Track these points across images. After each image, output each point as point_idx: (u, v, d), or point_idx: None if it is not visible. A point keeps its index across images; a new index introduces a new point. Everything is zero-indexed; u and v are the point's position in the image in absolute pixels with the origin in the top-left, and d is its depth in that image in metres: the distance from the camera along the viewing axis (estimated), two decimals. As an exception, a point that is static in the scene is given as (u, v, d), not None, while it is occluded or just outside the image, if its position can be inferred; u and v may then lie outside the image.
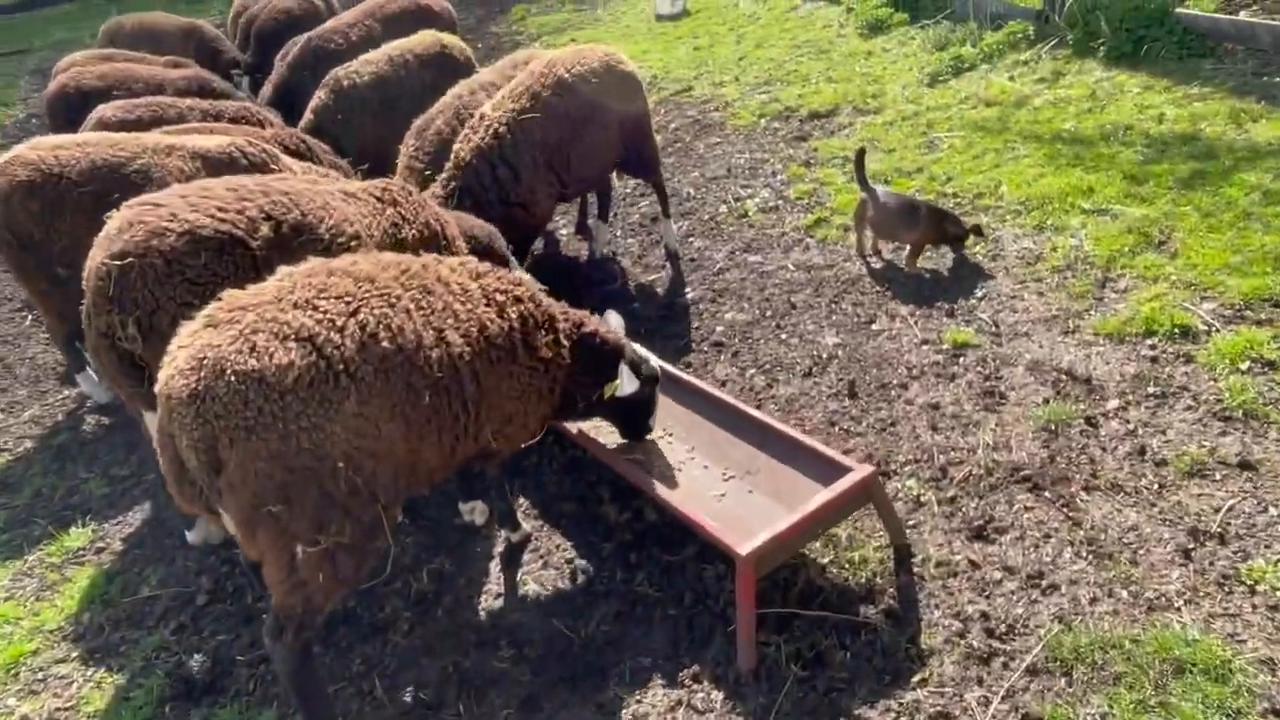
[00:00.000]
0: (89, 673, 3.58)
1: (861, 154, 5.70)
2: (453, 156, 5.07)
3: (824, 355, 4.90)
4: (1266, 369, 4.04)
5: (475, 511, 4.11)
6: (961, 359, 4.63)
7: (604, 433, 4.04)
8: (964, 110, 7.60)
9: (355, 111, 7.18)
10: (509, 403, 3.36)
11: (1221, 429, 3.82)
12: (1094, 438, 3.92)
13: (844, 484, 3.29)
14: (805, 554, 3.56)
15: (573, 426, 4.05)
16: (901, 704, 2.98)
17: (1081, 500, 3.62)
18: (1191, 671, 2.87)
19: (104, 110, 6.33)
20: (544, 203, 5.31)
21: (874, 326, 5.08)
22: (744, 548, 3.08)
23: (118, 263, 3.29)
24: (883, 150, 7.28)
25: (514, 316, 3.35)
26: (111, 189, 4.43)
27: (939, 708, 2.95)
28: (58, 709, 3.42)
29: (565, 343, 3.58)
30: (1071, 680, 2.94)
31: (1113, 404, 4.08)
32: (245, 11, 10.99)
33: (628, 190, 7.67)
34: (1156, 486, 3.62)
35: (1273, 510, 3.40)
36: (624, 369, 3.64)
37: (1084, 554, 3.38)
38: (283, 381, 2.60)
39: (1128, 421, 3.97)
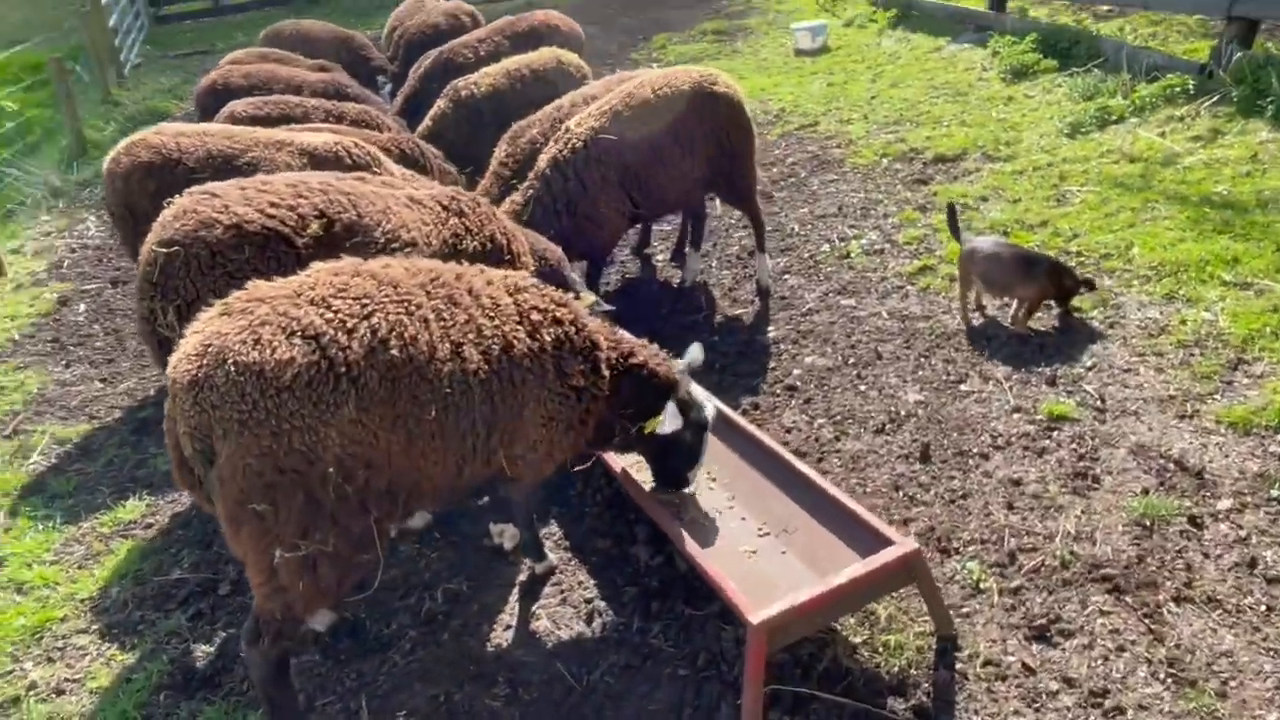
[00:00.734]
0: (103, 648, 3.61)
1: (953, 209, 5.40)
2: (535, 167, 5.03)
3: (902, 412, 4.52)
4: None
5: (505, 535, 3.95)
6: (1056, 433, 4.16)
7: (645, 470, 3.81)
8: (1103, 164, 7.01)
9: (470, 121, 7.32)
10: (532, 429, 3.18)
11: (1357, 550, 3.25)
12: (1196, 540, 3.41)
13: (881, 558, 2.94)
14: (836, 629, 3.22)
15: (616, 463, 3.84)
16: (917, 819, 2.61)
17: (1169, 612, 3.13)
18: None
19: (235, 105, 6.68)
20: (613, 220, 5.20)
21: (963, 387, 4.65)
22: (757, 615, 2.78)
23: (164, 250, 3.33)
24: (1007, 200, 6.79)
25: (548, 338, 3.18)
26: (223, 177, 4.59)
27: (960, 831, 2.56)
28: (65, 679, 3.45)
29: (605, 372, 3.38)
30: (1124, 825, 2.50)
31: (1225, 504, 3.55)
32: (399, 26, 11.47)
33: (729, 221, 7.44)
34: (1264, 608, 3.09)
35: None
36: (670, 407, 3.39)
37: (1162, 676, 2.91)
38: (280, 377, 2.51)
39: (1240, 527, 3.43)
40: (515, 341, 3.06)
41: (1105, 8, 10.78)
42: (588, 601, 3.61)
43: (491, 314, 3.05)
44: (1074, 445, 4.06)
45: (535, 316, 3.18)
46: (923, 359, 4.96)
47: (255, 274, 3.33)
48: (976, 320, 5.22)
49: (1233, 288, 4.97)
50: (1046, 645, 3.10)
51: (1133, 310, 5.02)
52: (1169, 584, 3.23)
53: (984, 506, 3.78)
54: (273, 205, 3.51)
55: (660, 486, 3.67)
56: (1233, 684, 2.85)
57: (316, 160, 4.99)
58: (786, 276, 6.32)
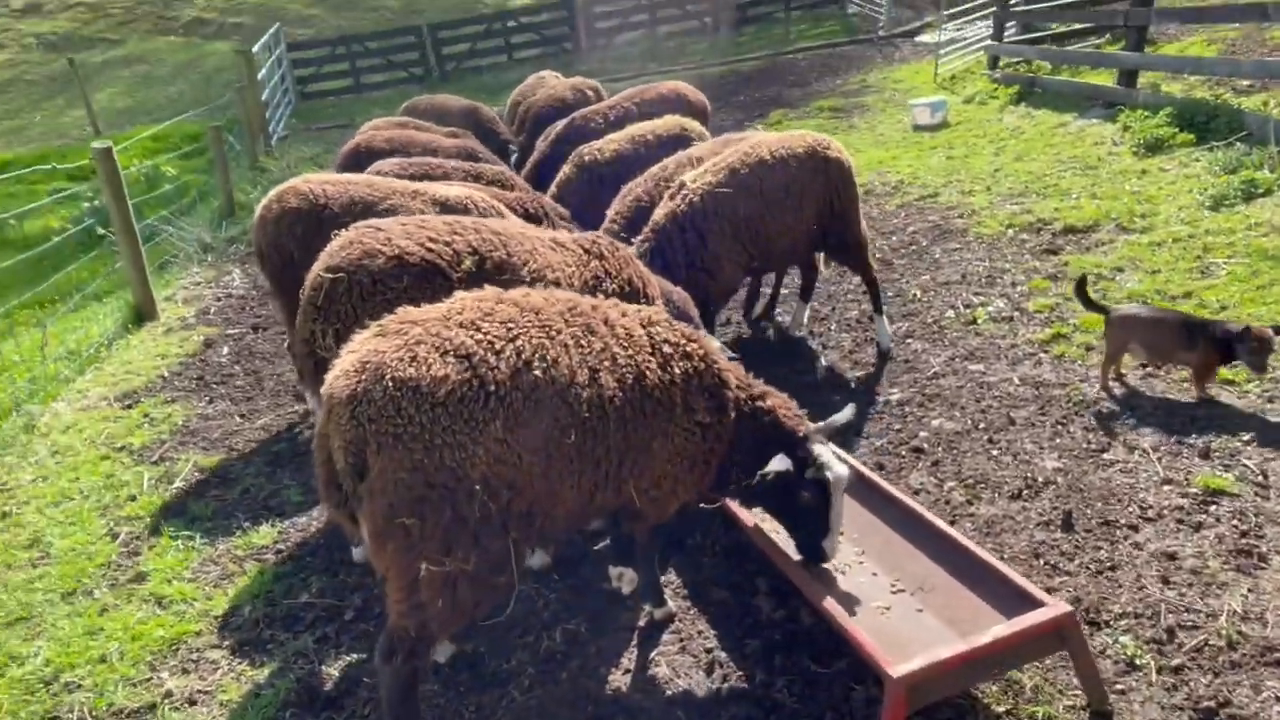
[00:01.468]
0: (234, 663, 3.71)
1: (1083, 281, 5.18)
2: (651, 220, 5.16)
3: (1040, 479, 4.30)
4: None
5: (623, 578, 3.91)
6: (1213, 508, 3.88)
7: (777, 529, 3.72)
8: (1251, 237, 6.67)
9: (592, 184, 7.52)
10: (658, 462, 3.16)
11: None
12: (1385, 628, 3.09)
13: (1031, 619, 2.76)
14: (976, 696, 3.02)
15: (749, 517, 3.77)
16: None
17: (1359, 703, 2.83)
18: None
19: (381, 164, 7.09)
20: (728, 271, 5.37)
21: (1105, 456, 4.41)
22: (898, 669, 2.65)
23: (330, 275, 3.52)
24: (1145, 271, 6.51)
25: (678, 371, 3.19)
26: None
27: None
28: (198, 690, 3.55)
29: (731, 412, 3.35)
30: None
31: None
32: (524, 100, 12.01)
33: (848, 286, 7.38)
34: None
35: None
36: (781, 456, 3.29)
37: (1355, 772, 2.61)
38: (435, 393, 2.59)
39: None
40: (647, 371, 3.09)
41: (1246, 83, 10.40)
42: (708, 651, 3.51)
43: (625, 344, 3.09)
44: (1235, 521, 3.77)
45: (667, 349, 3.21)
46: (1060, 426, 4.73)
47: (411, 303, 3.46)
48: (1117, 390, 4.96)
49: None
50: (1215, 730, 2.84)
51: (1299, 386, 4.69)
52: (1361, 672, 2.93)
53: (1136, 579, 3.53)
54: (431, 240, 3.69)
55: (802, 556, 3.50)
56: None
57: (448, 209, 5.23)
58: (909, 341, 6.19)
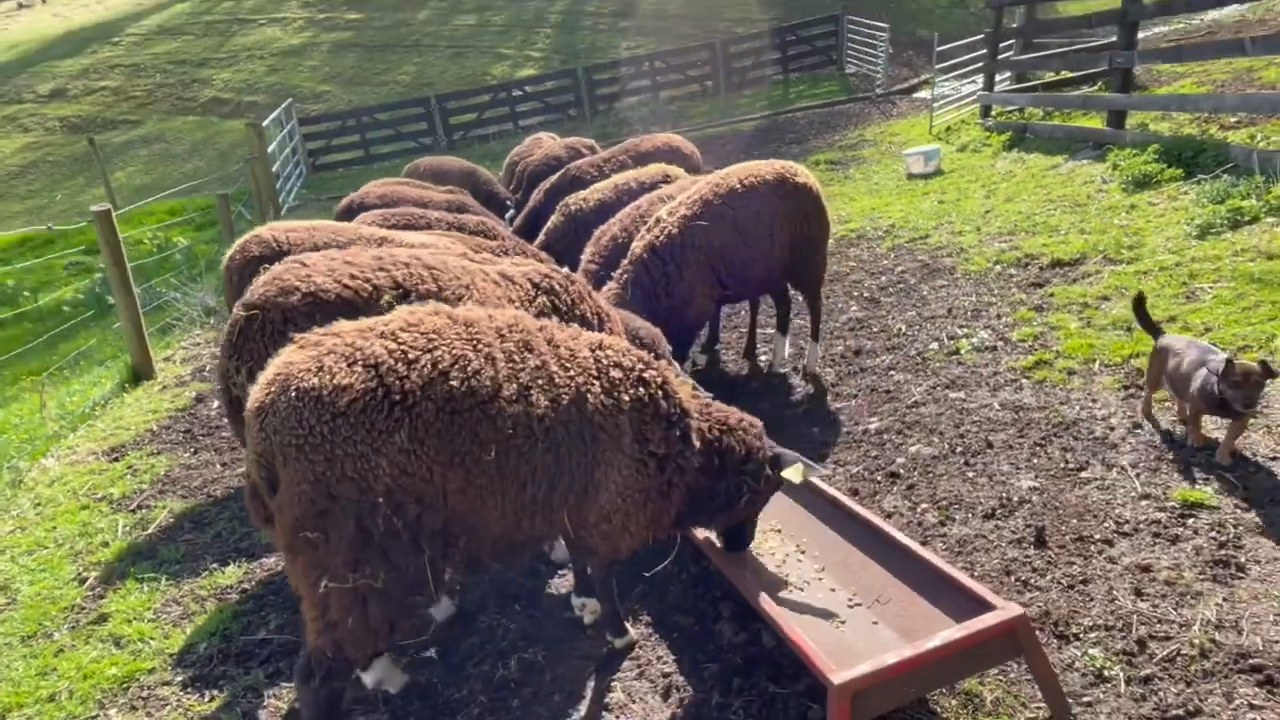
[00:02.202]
0: (183, 698, 3.61)
1: (1141, 299, 4.79)
2: (630, 252, 5.18)
3: (1014, 499, 4.19)
4: None
5: (585, 608, 3.80)
6: (1191, 520, 3.76)
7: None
8: (1238, 262, 6.60)
9: (578, 232, 7.59)
10: (604, 495, 3.06)
11: None
12: (1365, 632, 2.94)
13: (979, 623, 2.65)
14: (933, 709, 2.89)
15: (700, 534, 3.69)
16: None
17: (1336, 708, 2.68)
18: None
19: (365, 215, 7.20)
20: (702, 300, 5.38)
21: (1083, 474, 4.30)
22: (839, 676, 2.54)
23: (244, 312, 3.51)
24: (1130, 297, 6.44)
25: (627, 398, 3.10)
26: None
27: None
28: (143, 727, 3.47)
29: (695, 443, 3.27)
30: None
31: (1401, 595, 3.07)
32: (520, 161, 12.26)
33: (837, 324, 7.35)
34: None
35: None
36: (799, 462, 3.39)
37: (1330, 778, 2.46)
38: (337, 403, 2.55)
39: None
40: (589, 395, 3.00)
41: (1234, 119, 10.44)
42: (665, 676, 3.39)
43: (567, 364, 3.02)
44: (1213, 533, 3.64)
45: (615, 374, 3.12)
46: (1038, 447, 4.63)
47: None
48: (1148, 430, 4.73)
49: (1395, 375, 4.48)
50: (1185, 740, 2.69)
51: (1277, 399, 4.58)
52: (1336, 677, 2.78)
53: (1108, 592, 3.40)
54: (352, 276, 3.67)
55: (730, 549, 3.53)
56: None
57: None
58: (892, 372, 6.13)
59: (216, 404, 7.63)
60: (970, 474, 4.51)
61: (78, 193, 23.62)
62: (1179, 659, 2.99)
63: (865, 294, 8.10)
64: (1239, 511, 3.74)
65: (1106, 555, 3.64)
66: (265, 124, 18.43)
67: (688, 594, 3.91)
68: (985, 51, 15.29)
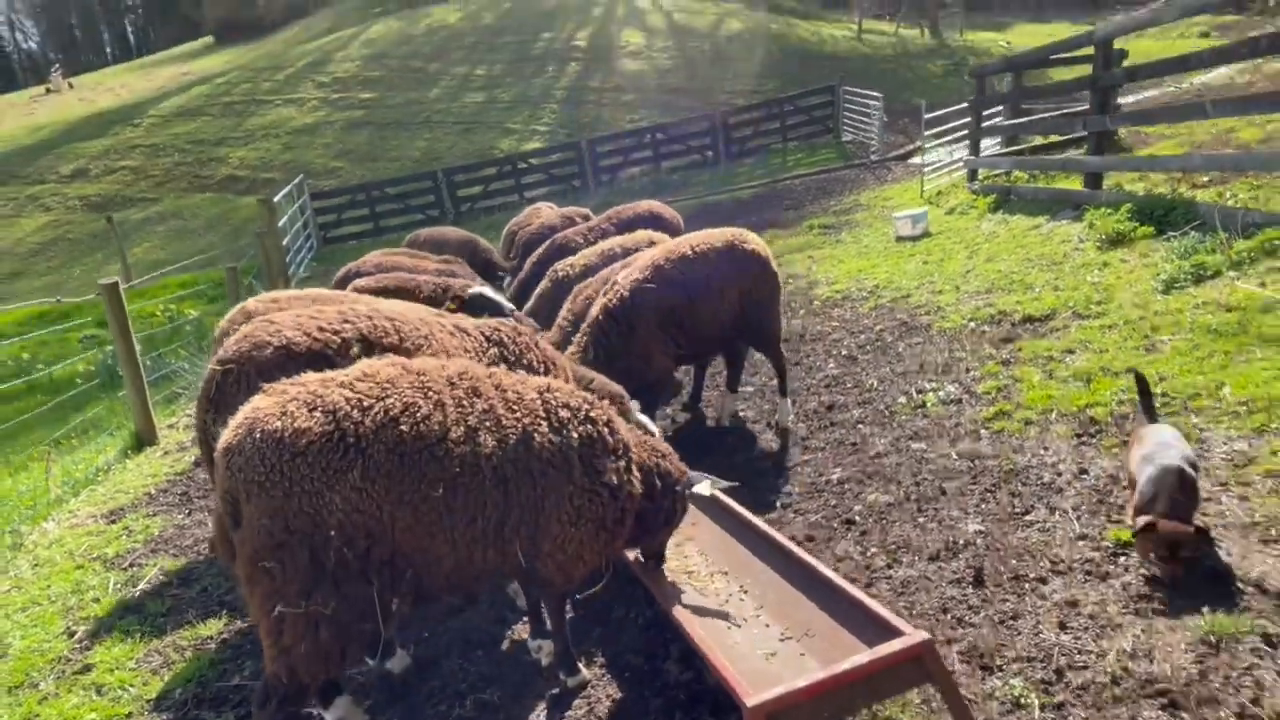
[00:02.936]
0: (157, 741, 3.79)
1: (1143, 381, 4.45)
2: (588, 315, 5.47)
3: (960, 541, 4.35)
4: None
5: (543, 651, 3.97)
6: (1123, 558, 3.91)
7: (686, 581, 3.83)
8: (1198, 315, 6.81)
9: (564, 297, 7.92)
10: (557, 525, 3.30)
11: None
12: (1269, 659, 3.07)
13: (886, 648, 2.82)
14: (854, 736, 3.03)
15: (647, 577, 3.89)
16: None
17: (1233, 729, 2.80)
18: None
19: (359, 282, 7.57)
20: (659, 359, 5.68)
21: (1028, 518, 4.46)
22: (753, 699, 2.70)
23: (220, 368, 3.80)
24: (1094, 351, 6.66)
25: (575, 435, 3.36)
26: None
27: None
28: (117, 768, 3.63)
29: (638, 471, 3.53)
30: None
31: (1308, 624, 3.20)
32: (518, 230, 12.71)
33: (812, 382, 7.57)
34: (1345, 727, 2.73)
35: None
36: (706, 480, 3.72)
37: (1219, 794, 2.58)
38: (297, 444, 2.80)
39: (1322, 645, 3.08)
40: (536, 434, 3.26)
41: (1205, 178, 10.75)
42: (612, 712, 3.54)
43: (514, 406, 3.28)
44: (1142, 570, 3.79)
45: (563, 413, 3.39)
46: (988, 493, 4.80)
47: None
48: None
49: (1332, 419, 4.65)
50: (1090, 762, 2.82)
51: (1218, 445, 4.74)
52: (1233, 700, 2.91)
53: (1034, 626, 3.54)
54: (320, 330, 3.97)
55: (651, 563, 3.89)
56: (1303, 804, 2.50)
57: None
58: (861, 425, 6.32)
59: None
60: (921, 519, 4.68)
61: (95, 269, 24.35)
62: (1092, 687, 3.13)
63: (844, 352, 8.33)
64: (1169, 549, 3.89)
65: (1039, 592, 3.79)
66: (277, 199, 19.10)
67: (640, 636, 4.07)
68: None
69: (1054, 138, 15.17)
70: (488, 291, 6.11)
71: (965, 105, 17.25)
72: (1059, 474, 4.83)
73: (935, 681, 2.91)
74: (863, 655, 2.83)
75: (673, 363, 5.93)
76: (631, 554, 3.94)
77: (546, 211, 12.94)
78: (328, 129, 32.71)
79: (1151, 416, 4.38)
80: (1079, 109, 15.11)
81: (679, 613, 3.53)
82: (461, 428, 3.10)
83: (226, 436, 2.90)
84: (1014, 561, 4.07)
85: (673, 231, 9.79)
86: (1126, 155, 12.73)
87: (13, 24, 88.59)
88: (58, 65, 63.66)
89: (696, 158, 25.81)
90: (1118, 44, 12.22)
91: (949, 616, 3.76)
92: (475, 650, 4.18)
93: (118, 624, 4.94)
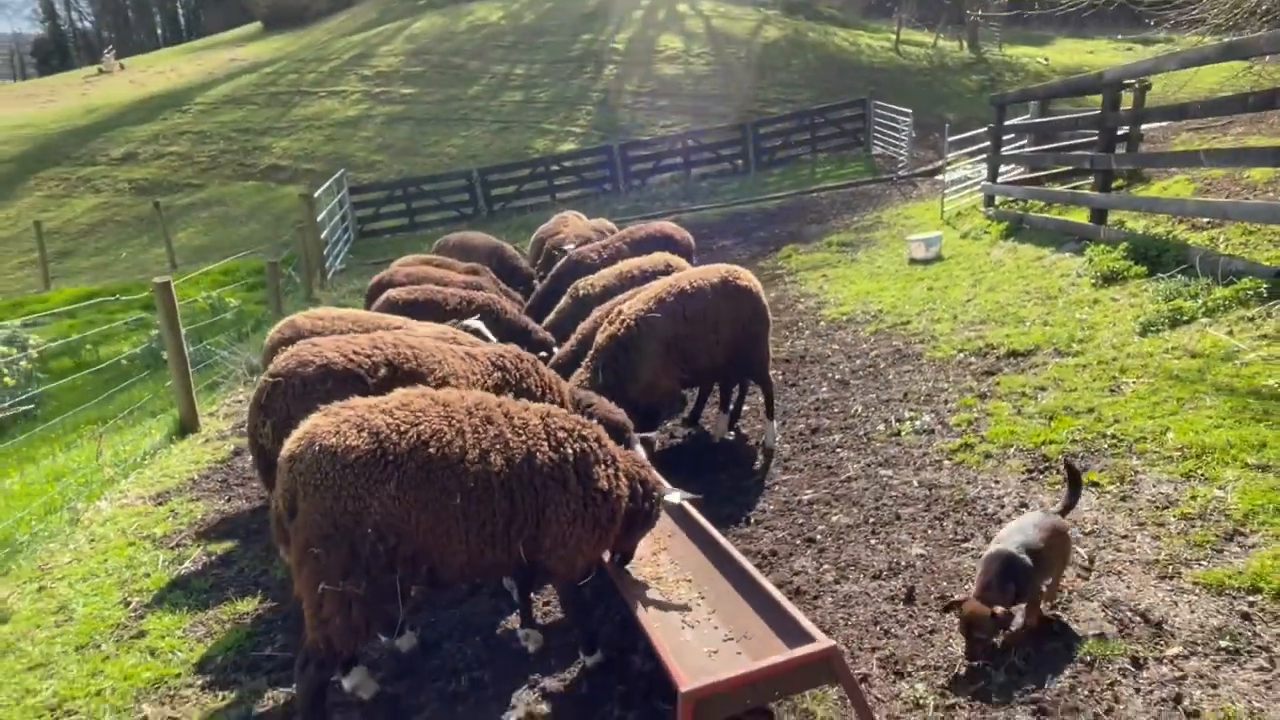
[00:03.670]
0: (202, 697, 4.49)
1: (1072, 469, 4.45)
2: (594, 344, 6.10)
3: (902, 563, 4.93)
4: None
5: (530, 638, 4.63)
6: (1037, 586, 4.46)
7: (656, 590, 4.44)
8: (1165, 359, 7.29)
9: (584, 315, 8.55)
10: (556, 526, 3.95)
11: (1291, 698, 3.39)
12: (1132, 678, 3.63)
13: (799, 651, 3.43)
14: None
15: (619, 581, 4.51)
16: None
17: (1085, 735, 3.37)
18: None
19: (391, 293, 8.28)
20: (663, 384, 6.30)
21: (966, 545, 5.03)
22: (686, 686, 3.32)
23: (271, 380, 4.53)
24: (1063, 389, 7.17)
25: (570, 452, 4.02)
26: None
27: None
28: (169, 716, 4.33)
29: (624, 478, 4.18)
30: None
31: (1174, 650, 3.76)
32: (546, 237, 13.35)
33: (803, 405, 8.14)
34: (1176, 738, 3.29)
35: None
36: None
37: (1060, 785, 3.16)
38: (345, 457, 3.48)
39: (1180, 669, 3.63)
40: (538, 453, 3.91)
41: (1205, 220, 11.14)
42: (585, 697, 4.18)
43: (520, 431, 3.94)
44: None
45: (560, 434, 4.05)
46: (937, 521, 5.37)
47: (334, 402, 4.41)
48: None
49: (1252, 470, 5.16)
50: (966, 755, 3.40)
51: (1148, 486, 5.27)
52: (1090, 710, 3.48)
53: (946, 640, 4.12)
54: (354, 353, 4.71)
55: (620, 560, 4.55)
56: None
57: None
58: (839, 450, 6.90)
59: (251, 457, 8.62)
60: (874, 541, 5.26)
61: (140, 251, 25.44)
62: (981, 693, 3.71)
63: (838, 376, 8.89)
64: (1079, 580, 4.44)
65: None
66: (317, 194, 19.92)
67: (615, 633, 4.71)
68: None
69: (1068, 167, 15.52)
70: (482, 328, 6.83)
71: (986, 130, 17.64)
72: (1002, 506, 5.39)
73: (840, 681, 3.51)
74: (780, 656, 3.43)
75: (677, 384, 6.58)
76: (606, 558, 4.57)
77: (574, 221, 13.53)
78: (369, 122, 33.65)
79: (1071, 502, 4.38)
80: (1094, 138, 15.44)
81: (641, 613, 4.15)
82: (477, 450, 3.76)
83: (289, 446, 3.58)
84: (944, 583, 4.65)
85: (683, 251, 10.40)
86: (1126, 195, 13.13)
87: (68, 3, 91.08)
88: (111, 47, 65.59)
89: (726, 166, 26.31)
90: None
91: (878, 628, 4.35)
92: (473, 635, 4.84)
93: (167, 597, 5.66)
